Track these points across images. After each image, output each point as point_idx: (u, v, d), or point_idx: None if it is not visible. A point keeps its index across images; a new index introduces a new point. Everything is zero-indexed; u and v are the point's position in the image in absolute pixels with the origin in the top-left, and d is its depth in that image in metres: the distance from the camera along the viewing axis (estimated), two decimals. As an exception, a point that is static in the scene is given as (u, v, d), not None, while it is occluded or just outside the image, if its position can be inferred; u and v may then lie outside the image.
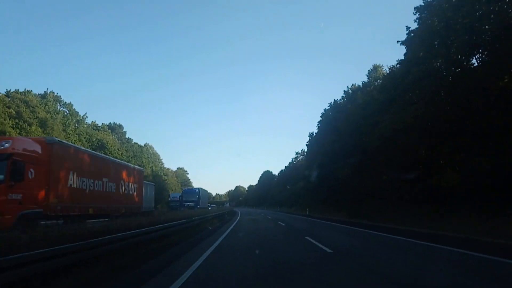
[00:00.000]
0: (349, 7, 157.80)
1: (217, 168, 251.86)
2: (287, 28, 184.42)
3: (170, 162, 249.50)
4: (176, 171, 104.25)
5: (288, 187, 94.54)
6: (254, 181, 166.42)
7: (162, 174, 69.03)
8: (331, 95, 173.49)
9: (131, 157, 51.32)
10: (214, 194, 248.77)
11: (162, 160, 70.22)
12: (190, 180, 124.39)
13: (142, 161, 63.25)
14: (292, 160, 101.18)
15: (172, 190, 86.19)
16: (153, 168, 65.88)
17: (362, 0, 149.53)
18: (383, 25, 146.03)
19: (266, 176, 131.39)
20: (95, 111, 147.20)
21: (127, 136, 52.62)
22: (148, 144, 67.14)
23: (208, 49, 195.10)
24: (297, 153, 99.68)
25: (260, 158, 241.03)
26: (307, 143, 55.23)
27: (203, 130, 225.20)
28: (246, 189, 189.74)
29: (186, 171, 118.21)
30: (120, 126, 52.37)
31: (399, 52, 61.54)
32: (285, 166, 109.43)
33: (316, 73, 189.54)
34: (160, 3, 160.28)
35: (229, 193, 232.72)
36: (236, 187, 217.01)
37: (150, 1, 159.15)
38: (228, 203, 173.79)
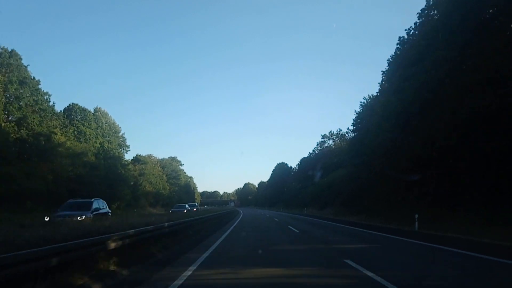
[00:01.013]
0: (359, 9, 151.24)
1: (225, 167, 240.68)
2: (295, 29, 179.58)
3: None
4: (163, 160, 79.36)
5: (309, 185, 68.95)
6: (266, 178, 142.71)
7: (122, 154, 44.17)
8: (339, 96, 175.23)
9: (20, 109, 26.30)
10: (221, 193, 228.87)
11: (124, 136, 45.34)
12: (184, 172, 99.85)
13: (83, 131, 38.48)
14: (317, 145, 75.25)
15: (151, 184, 61.38)
16: (105, 144, 40.91)
17: (373, 1, 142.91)
18: (391, 26, 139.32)
19: (281, 169, 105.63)
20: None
21: (33, 76, 27.52)
22: (100, 109, 42.72)
23: (211, 50, 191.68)
24: (323, 136, 73.81)
25: (268, 158, 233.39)
26: (373, 97, 29.23)
27: (210, 129, 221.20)
28: (257, 186, 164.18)
29: (179, 161, 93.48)
30: (11, 53, 27.27)
31: None
32: (302, 158, 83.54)
33: (322, 73, 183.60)
34: (167, 2, 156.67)
35: (237, 192, 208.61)
36: (245, 184, 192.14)
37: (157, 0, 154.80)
38: (233, 203, 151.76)
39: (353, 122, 38.99)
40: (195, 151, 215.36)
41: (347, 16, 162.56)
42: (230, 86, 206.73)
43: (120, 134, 44.76)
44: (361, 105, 39.26)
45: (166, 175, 73.82)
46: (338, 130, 54.38)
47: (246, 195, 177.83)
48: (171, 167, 77.77)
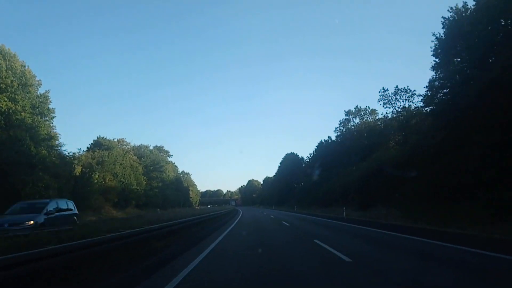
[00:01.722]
0: (365, 7, 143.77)
1: (229, 165, 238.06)
2: (295, 28, 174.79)
3: (182, 163, 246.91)
4: (140, 147, 62.17)
5: (333, 176, 52.43)
6: (272, 174, 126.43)
7: (40, 123, 27.15)
8: (342, 95, 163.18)
9: None
10: (225, 192, 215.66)
11: (47, 96, 28.02)
12: (174, 164, 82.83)
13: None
14: (339, 124, 57.57)
15: (115, 177, 44.25)
16: (1, 103, 23.85)
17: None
18: (396, 25, 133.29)
19: (290, 160, 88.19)
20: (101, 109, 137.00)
21: None
22: (2, 47, 25.88)
23: (213, 50, 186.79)
24: (348, 113, 56.26)
25: (273, 155, 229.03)
26: None
27: (213, 128, 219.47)
28: (261, 182, 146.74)
29: (167, 151, 76.43)
30: None
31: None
32: (320, 143, 65.77)
33: (326, 72, 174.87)
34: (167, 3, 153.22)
35: (241, 189, 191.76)
36: (249, 181, 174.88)
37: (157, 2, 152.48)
38: (234, 202, 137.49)
39: (435, 48, 21.49)
40: (198, 151, 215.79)
41: (349, 12, 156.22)
42: (233, 86, 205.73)
43: (41, 92, 27.66)
44: (445, 24, 21.78)
45: (145, 167, 56.73)
46: (382, 91, 36.04)
47: (250, 192, 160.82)
48: (151, 157, 60.51)
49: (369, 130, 52.31)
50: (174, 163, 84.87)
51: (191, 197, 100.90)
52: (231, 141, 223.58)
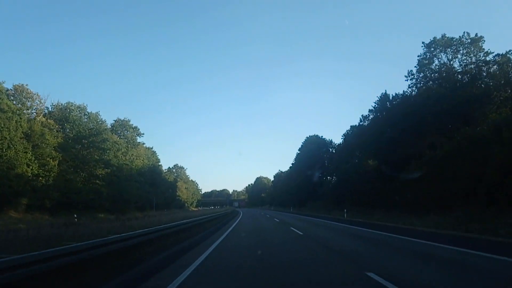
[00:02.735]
0: (375, 9, 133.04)
1: (236, 165, 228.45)
2: (297, 31, 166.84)
3: (187, 163, 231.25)
4: (65, 108, 37.58)
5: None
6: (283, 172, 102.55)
7: None
8: (345, 96, 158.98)
9: None
10: (231, 191, 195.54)
11: None
12: (150, 148, 58.70)
13: None
14: (417, 63, 32.33)
15: None
16: None
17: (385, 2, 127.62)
18: (405, 28, 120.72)
19: (314, 145, 63.02)
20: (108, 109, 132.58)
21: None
22: None
23: (226, 51, 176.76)
24: (430, 44, 31.17)
25: (278, 155, 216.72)
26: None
27: (216, 128, 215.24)
28: (272, 180, 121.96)
29: (136, 128, 52.20)
30: None
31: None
32: (382, 97, 40.29)
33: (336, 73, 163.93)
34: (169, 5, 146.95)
35: (248, 189, 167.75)
36: (257, 179, 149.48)
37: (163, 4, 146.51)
38: (238, 203, 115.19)
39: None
40: (203, 151, 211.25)
41: (358, 14, 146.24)
42: (241, 85, 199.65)
43: None
44: None
45: (73, 140, 32.51)
46: None
47: (258, 191, 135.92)
48: (87, 126, 35.75)
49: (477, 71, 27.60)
50: (152, 147, 60.86)
51: (179, 196, 76.59)
52: (236, 141, 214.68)
